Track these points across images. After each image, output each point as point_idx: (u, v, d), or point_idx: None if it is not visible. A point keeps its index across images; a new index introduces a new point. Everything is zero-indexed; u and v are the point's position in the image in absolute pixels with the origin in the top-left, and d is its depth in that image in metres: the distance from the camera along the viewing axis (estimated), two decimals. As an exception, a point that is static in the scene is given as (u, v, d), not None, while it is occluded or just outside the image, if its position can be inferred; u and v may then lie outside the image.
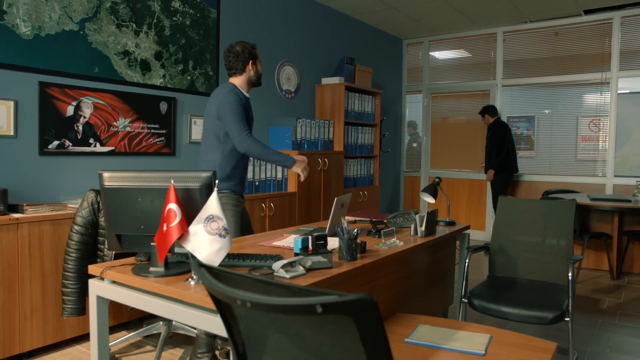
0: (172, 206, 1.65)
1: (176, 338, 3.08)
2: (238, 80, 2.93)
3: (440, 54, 7.16)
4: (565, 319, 2.52)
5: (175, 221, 1.64)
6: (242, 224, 3.00)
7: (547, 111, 6.33)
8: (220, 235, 1.64)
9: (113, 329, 3.22)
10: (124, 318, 3.21)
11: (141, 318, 3.34)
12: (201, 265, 1.09)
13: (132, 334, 2.90)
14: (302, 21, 5.34)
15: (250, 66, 2.92)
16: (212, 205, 1.65)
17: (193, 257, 1.69)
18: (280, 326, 1.08)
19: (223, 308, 1.18)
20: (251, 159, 2.90)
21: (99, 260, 2.78)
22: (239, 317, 1.17)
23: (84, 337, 3.07)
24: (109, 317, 3.09)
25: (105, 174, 1.84)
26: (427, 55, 7.15)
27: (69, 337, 2.97)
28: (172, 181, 1.69)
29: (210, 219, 1.64)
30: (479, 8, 5.68)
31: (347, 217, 3.17)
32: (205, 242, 1.64)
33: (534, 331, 3.26)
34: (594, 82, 5.96)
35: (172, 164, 4.04)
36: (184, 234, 1.67)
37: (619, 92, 5.83)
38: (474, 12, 5.87)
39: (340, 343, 0.98)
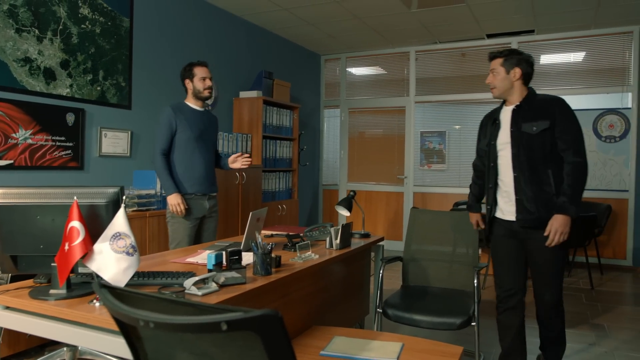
0: (75, 224, 1.57)
1: (83, 364, 2.89)
2: (187, 97, 3.39)
3: (357, 70, 7.39)
4: (472, 323, 2.67)
5: (78, 240, 1.55)
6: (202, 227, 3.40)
7: (457, 127, 6.71)
8: (128, 254, 1.57)
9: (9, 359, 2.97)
10: (21, 346, 2.96)
11: (42, 345, 3.11)
12: (102, 285, 1.04)
13: (32, 362, 2.69)
14: (219, 34, 5.29)
15: (187, 84, 3.37)
16: (120, 222, 1.58)
17: (98, 277, 1.61)
18: (187, 345, 1.06)
19: (128, 330, 1.13)
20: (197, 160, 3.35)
21: (-7, 283, 2.55)
22: (145, 338, 1.13)
23: (-25, 369, 2.80)
24: (4, 346, 2.85)
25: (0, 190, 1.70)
26: (344, 71, 7.35)
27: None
28: (75, 197, 1.60)
29: (117, 236, 1.58)
30: (392, 28, 5.94)
31: (264, 231, 3.16)
32: (112, 260, 1.56)
33: (447, 337, 3.41)
34: (496, 100, 6.40)
35: (81, 179, 3.82)
36: (87, 253, 1.58)
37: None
38: (387, 32, 6.12)
39: (248, 359, 0.98)
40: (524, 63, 2.60)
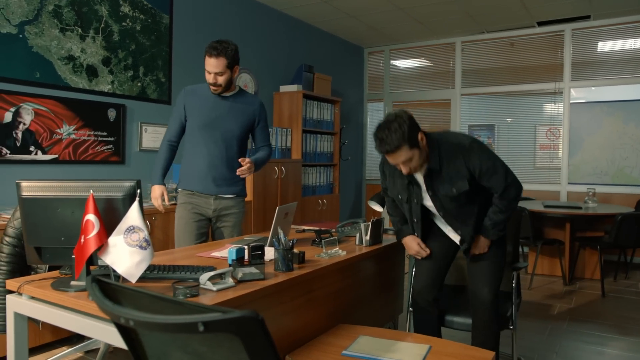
0: (90, 217, 1.58)
1: (118, 353, 2.96)
2: None
3: (401, 63, 7.22)
4: (510, 327, 2.53)
5: (93, 232, 1.56)
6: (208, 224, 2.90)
7: (508, 120, 6.43)
8: (141, 247, 1.57)
9: (53, 345, 3.09)
10: (64, 333, 3.08)
11: (83, 333, 3.21)
12: (94, 280, 1.03)
13: (71, 349, 2.78)
14: (259, 28, 5.29)
15: None
16: (133, 216, 1.58)
17: (113, 270, 1.61)
18: (180, 344, 1.03)
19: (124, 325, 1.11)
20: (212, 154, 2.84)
21: (32, 273, 2.65)
22: (141, 335, 1.11)
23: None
24: (47, 332, 2.96)
25: (24, 184, 1.74)
26: (388, 63, 7.20)
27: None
28: (91, 191, 1.62)
29: (131, 230, 1.57)
30: (436, 18, 5.75)
31: (296, 226, 3.12)
32: (125, 254, 1.57)
33: (484, 339, 3.25)
34: (548, 91, 6.10)
35: (121, 173, 3.92)
36: (103, 246, 1.59)
37: (573, 101, 5.97)
38: (431, 22, 5.93)
39: (238, 361, 0.93)
40: (417, 126, 2.22)
